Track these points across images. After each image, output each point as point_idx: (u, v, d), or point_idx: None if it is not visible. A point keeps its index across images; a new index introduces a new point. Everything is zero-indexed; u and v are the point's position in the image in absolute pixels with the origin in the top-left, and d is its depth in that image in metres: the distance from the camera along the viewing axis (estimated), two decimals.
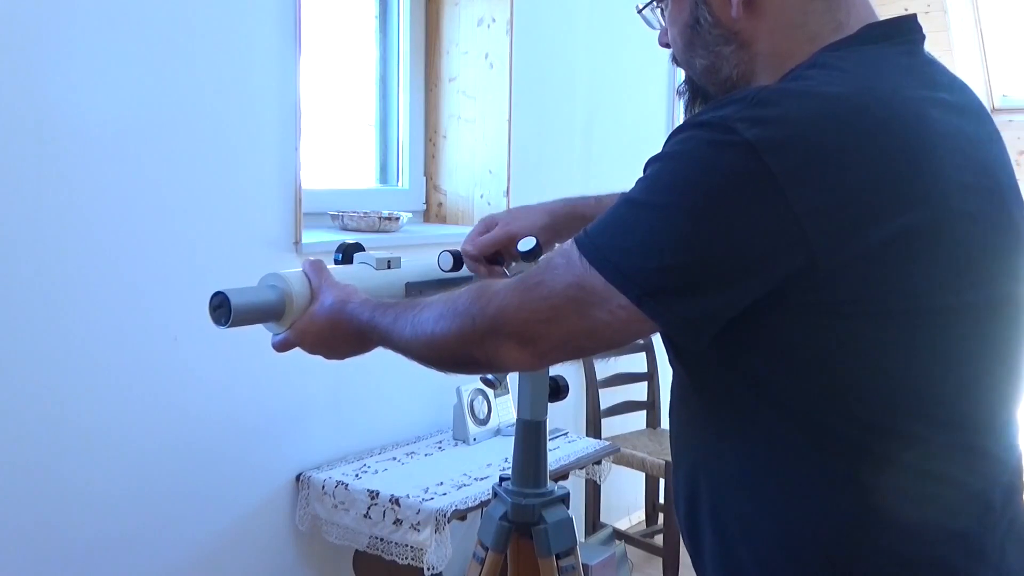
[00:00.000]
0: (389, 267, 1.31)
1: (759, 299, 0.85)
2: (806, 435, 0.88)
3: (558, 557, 1.38)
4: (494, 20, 2.85)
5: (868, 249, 0.82)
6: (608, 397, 3.32)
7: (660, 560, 3.16)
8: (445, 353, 1.00)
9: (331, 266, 1.27)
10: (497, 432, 2.70)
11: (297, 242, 2.29)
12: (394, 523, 2.18)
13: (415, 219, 2.93)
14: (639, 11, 1.13)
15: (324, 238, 2.40)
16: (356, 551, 2.36)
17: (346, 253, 1.34)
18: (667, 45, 1.09)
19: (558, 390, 1.38)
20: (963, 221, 0.87)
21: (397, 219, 2.60)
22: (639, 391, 3.52)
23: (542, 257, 0.96)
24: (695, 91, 1.07)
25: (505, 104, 2.86)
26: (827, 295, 0.84)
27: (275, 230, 2.26)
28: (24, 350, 1.83)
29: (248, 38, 2.16)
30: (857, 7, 0.96)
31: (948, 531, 0.90)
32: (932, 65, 0.96)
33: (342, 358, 1.24)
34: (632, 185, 0.91)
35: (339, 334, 1.18)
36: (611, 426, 3.35)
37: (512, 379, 1.36)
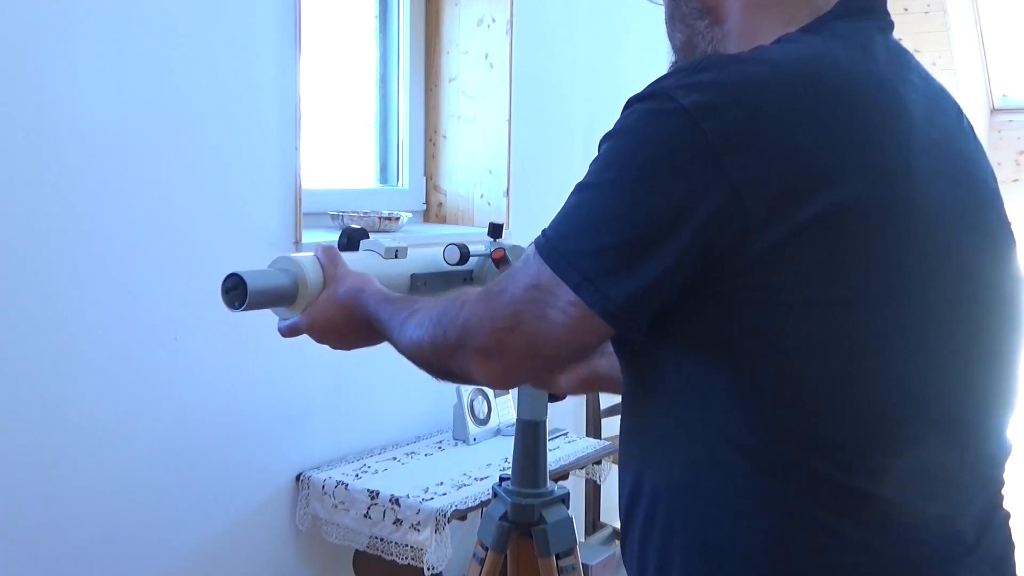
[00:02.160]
0: (396, 256, 1.28)
1: (695, 283, 0.79)
2: (734, 445, 0.81)
3: (558, 557, 1.38)
4: (494, 20, 2.85)
5: (805, 223, 0.76)
6: (608, 397, 3.32)
7: None
8: (423, 362, 0.99)
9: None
10: (497, 432, 2.70)
11: (297, 242, 2.29)
12: (394, 523, 2.18)
13: (415, 219, 2.93)
14: None
15: (324, 238, 2.40)
16: (356, 551, 2.36)
17: (351, 239, 1.31)
18: None
19: None
20: (923, 206, 0.80)
21: (397, 219, 2.60)
22: None
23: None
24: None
25: (505, 104, 2.86)
26: (761, 277, 0.77)
27: (275, 230, 2.26)
28: (23, 350, 1.83)
29: (248, 38, 2.15)
30: None
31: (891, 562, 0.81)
32: (905, 50, 0.93)
33: (349, 348, 1.18)
34: None
35: (350, 324, 1.13)
36: (611, 426, 3.35)
37: None
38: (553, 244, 0.84)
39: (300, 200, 2.29)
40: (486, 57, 2.87)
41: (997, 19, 4.92)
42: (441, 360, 0.94)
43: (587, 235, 0.82)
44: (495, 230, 1.39)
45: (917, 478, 0.81)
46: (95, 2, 1.87)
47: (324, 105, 2.70)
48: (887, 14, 0.93)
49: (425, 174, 2.97)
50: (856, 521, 0.79)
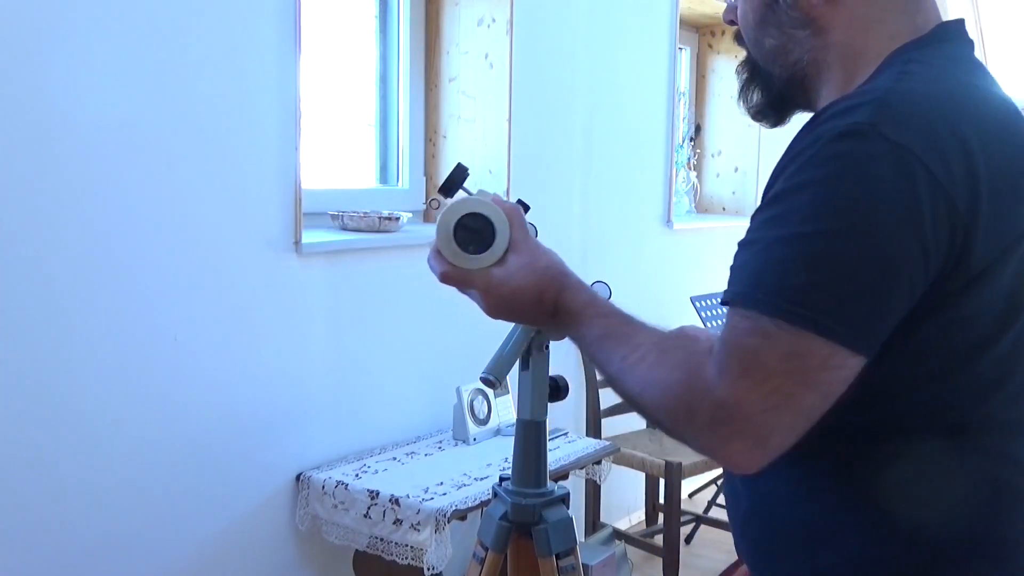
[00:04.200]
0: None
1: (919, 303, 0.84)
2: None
3: (558, 557, 1.38)
4: (494, 20, 2.85)
5: (1011, 247, 0.85)
6: (608, 397, 3.32)
7: (660, 560, 3.16)
8: (649, 416, 0.95)
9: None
10: (497, 432, 2.70)
11: (297, 242, 2.29)
12: (394, 523, 2.18)
13: (415, 219, 2.93)
14: None
15: (324, 238, 2.40)
16: (356, 551, 2.36)
17: (453, 180, 1.16)
18: (732, 22, 1.07)
19: (558, 390, 1.38)
20: None
21: (397, 219, 2.60)
22: None
23: (716, 344, 0.86)
24: (754, 73, 1.06)
25: (505, 104, 2.86)
26: (971, 298, 0.85)
27: (275, 230, 2.26)
28: (24, 349, 1.83)
29: (248, 38, 2.15)
30: (928, 10, 0.97)
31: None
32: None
33: (511, 321, 1.09)
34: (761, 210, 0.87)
35: (535, 304, 1.02)
36: (611, 426, 3.35)
37: (512, 379, 1.35)
38: (802, 308, 0.80)
39: (300, 200, 2.29)
40: (486, 57, 2.87)
41: (997, 19, 4.93)
42: (681, 433, 0.88)
43: (831, 286, 0.80)
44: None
45: None
46: (95, 2, 1.87)
47: (324, 105, 2.70)
48: (967, 34, 0.99)
49: (425, 174, 2.97)
50: None
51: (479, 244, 0.98)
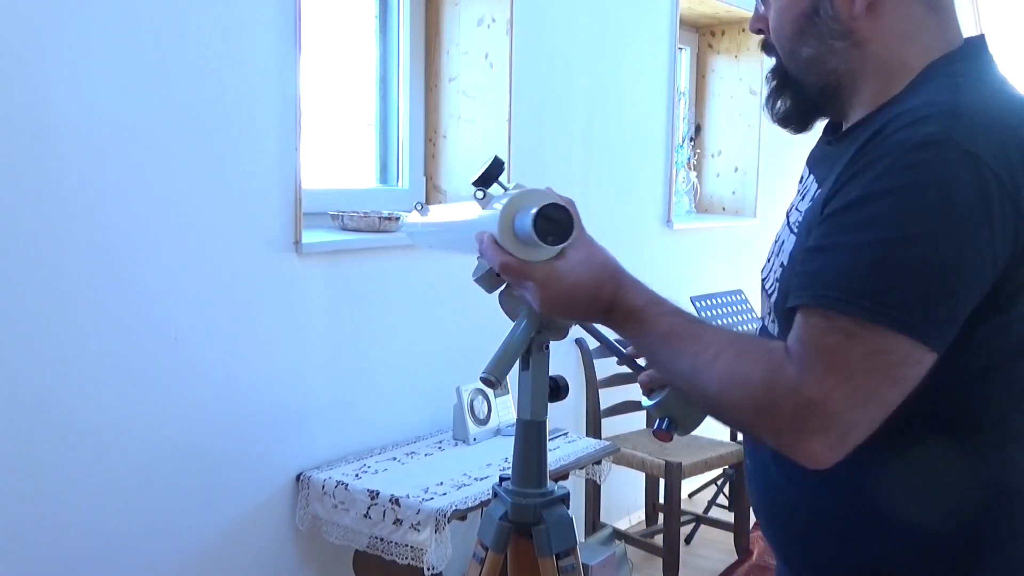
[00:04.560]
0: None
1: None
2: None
3: (558, 557, 1.38)
4: (494, 20, 2.85)
5: None
6: (608, 397, 3.32)
7: (660, 560, 3.16)
8: (723, 417, 0.98)
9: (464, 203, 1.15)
10: (497, 432, 2.70)
11: (297, 242, 2.29)
12: (394, 523, 2.18)
13: None
14: None
15: (324, 238, 2.40)
16: (356, 551, 2.36)
17: (490, 173, 1.14)
18: (760, 31, 1.10)
19: (558, 390, 1.37)
20: None
21: (397, 219, 2.60)
22: (639, 391, 3.52)
23: (792, 343, 0.90)
24: (784, 81, 1.09)
25: (505, 104, 2.86)
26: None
27: (275, 230, 2.26)
28: (24, 349, 1.83)
29: (248, 38, 2.16)
30: (956, 26, 1.03)
31: None
32: None
33: (562, 317, 1.09)
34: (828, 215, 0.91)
35: (591, 299, 1.02)
36: (611, 426, 3.35)
37: (512, 379, 1.34)
38: (884, 308, 0.85)
39: (300, 200, 2.29)
40: (486, 57, 2.87)
41: (997, 19, 4.93)
42: (758, 429, 0.92)
43: (915, 287, 0.85)
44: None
45: None
46: (96, 3, 1.87)
47: (324, 105, 2.70)
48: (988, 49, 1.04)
49: (425, 174, 2.98)
50: None
51: (559, 235, 0.97)
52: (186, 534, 2.15)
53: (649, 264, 3.64)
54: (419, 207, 1.54)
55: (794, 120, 1.11)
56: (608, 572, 2.81)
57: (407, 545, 2.15)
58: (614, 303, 1.01)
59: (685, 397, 1.26)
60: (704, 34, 4.50)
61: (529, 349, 1.30)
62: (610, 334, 1.32)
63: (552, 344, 1.33)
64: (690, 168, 4.36)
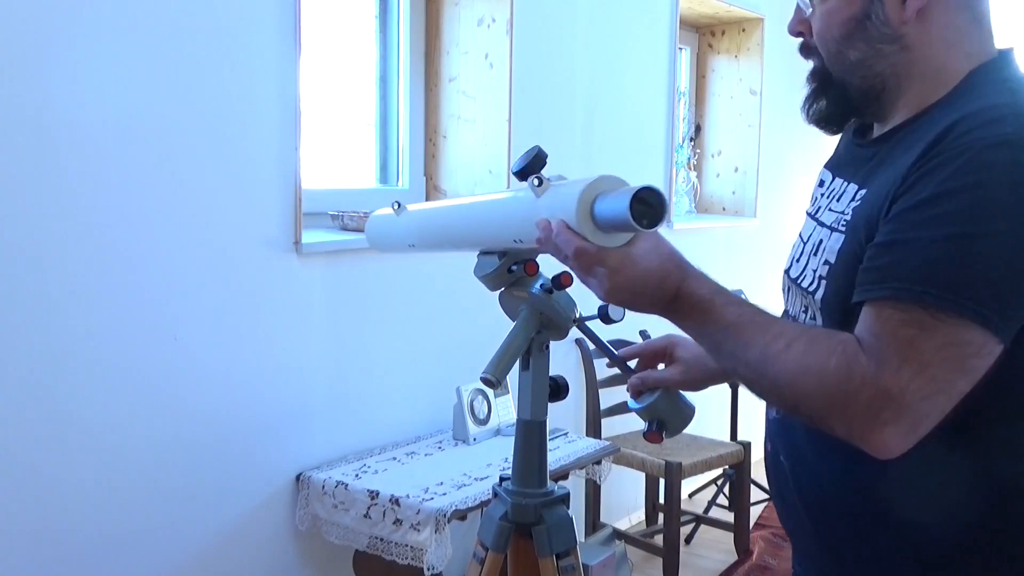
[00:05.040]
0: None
1: None
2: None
3: (558, 557, 1.38)
4: (494, 20, 2.85)
5: None
6: (608, 397, 3.32)
7: (660, 560, 3.16)
8: (792, 405, 0.98)
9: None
10: (497, 432, 2.70)
11: (297, 242, 2.29)
12: (394, 523, 2.18)
13: None
14: None
15: (324, 238, 2.40)
16: (356, 551, 2.36)
17: (535, 161, 1.14)
18: (800, 34, 1.13)
19: (558, 390, 1.37)
20: None
21: None
22: None
23: (864, 335, 0.93)
24: (827, 83, 1.11)
25: (505, 104, 2.86)
26: None
27: (275, 230, 2.26)
28: (24, 349, 1.83)
29: (248, 38, 2.16)
30: (992, 36, 1.07)
31: None
32: None
33: (628, 307, 1.08)
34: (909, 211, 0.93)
35: (657, 289, 1.02)
36: (611, 426, 3.35)
37: (512, 379, 1.34)
38: (961, 300, 0.89)
39: (300, 200, 2.29)
40: (486, 57, 2.87)
41: (996, 19, 4.92)
42: (830, 419, 0.93)
43: (998, 281, 0.89)
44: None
45: None
46: (96, 2, 1.87)
47: (324, 105, 2.70)
48: None
49: (425, 174, 2.98)
50: None
51: (653, 219, 0.95)
52: (186, 534, 2.15)
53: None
54: (396, 206, 1.53)
55: (834, 122, 1.14)
56: (608, 572, 2.81)
57: (407, 545, 2.15)
58: (679, 293, 1.02)
59: (673, 399, 1.27)
60: (704, 34, 4.50)
61: (529, 349, 1.30)
62: (604, 334, 1.32)
63: (552, 344, 1.33)
64: (690, 168, 4.36)
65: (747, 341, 0.98)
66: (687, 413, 1.28)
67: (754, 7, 4.27)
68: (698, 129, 4.49)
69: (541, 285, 1.29)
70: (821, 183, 1.20)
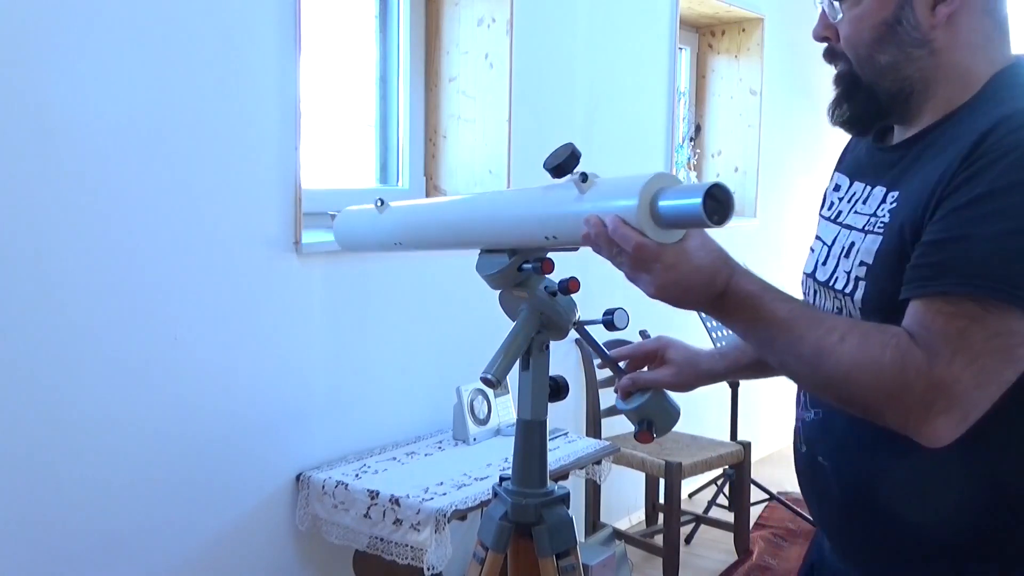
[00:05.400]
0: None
1: None
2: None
3: (558, 557, 1.38)
4: (494, 20, 2.85)
5: None
6: (608, 397, 3.32)
7: (660, 560, 3.16)
8: (846, 398, 1.00)
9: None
10: (497, 432, 2.70)
11: (297, 242, 2.29)
12: (394, 523, 2.18)
13: None
14: None
15: (324, 238, 2.40)
16: (356, 551, 2.36)
17: (567, 161, 1.16)
18: (826, 39, 1.14)
19: (558, 390, 1.37)
20: None
21: None
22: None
23: (914, 329, 0.96)
24: (855, 86, 1.13)
25: (505, 104, 2.86)
26: None
27: (275, 230, 2.26)
28: (24, 348, 1.83)
29: (248, 38, 2.16)
30: (1010, 42, 1.10)
31: None
32: None
33: (674, 305, 1.09)
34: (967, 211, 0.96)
35: (705, 286, 1.04)
36: (611, 426, 3.35)
37: (512, 379, 1.34)
38: (1013, 287, 0.92)
39: (300, 200, 2.29)
40: (486, 57, 2.87)
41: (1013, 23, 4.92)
42: (888, 404, 0.96)
43: None
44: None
45: None
46: (96, 3, 1.87)
47: (324, 105, 2.70)
48: None
49: (425, 174, 2.98)
50: None
51: (722, 215, 0.97)
52: (186, 534, 2.15)
53: None
54: (379, 203, 1.52)
55: (860, 124, 1.17)
56: (608, 572, 2.81)
57: (407, 545, 2.15)
58: (727, 289, 1.04)
59: (662, 400, 1.28)
60: (704, 34, 4.50)
61: (529, 349, 1.30)
62: (602, 334, 1.32)
63: (552, 344, 1.33)
64: (690, 168, 4.36)
65: (800, 336, 1.00)
66: (674, 414, 1.30)
67: (754, 7, 4.27)
68: (698, 129, 4.49)
69: (546, 287, 1.29)
70: (837, 187, 1.23)
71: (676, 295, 1.04)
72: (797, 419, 1.23)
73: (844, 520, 1.16)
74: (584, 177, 1.12)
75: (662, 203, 1.01)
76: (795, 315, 1.02)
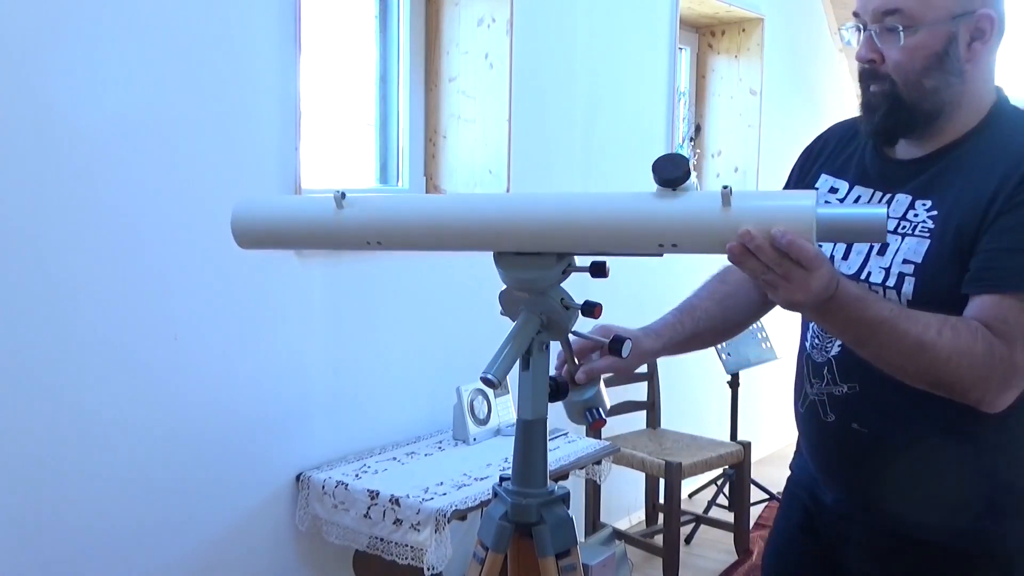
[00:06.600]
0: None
1: None
2: None
3: (558, 557, 1.38)
4: (494, 20, 2.85)
5: None
6: (608, 397, 3.32)
7: (660, 560, 3.16)
8: (936, 381, 1.19)
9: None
10: (497, 432, 2.70)
11: None
12: (394, 523, 2.18)
13: None
14: (879, 23, 1.27)
15: None
16: (356, 551, 2.36)
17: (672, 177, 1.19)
18: (871, 61, 1.29)
19: (558, 390, 1.37)
20: None
21: None
22: (639, 391, 3.52)
23: (990, 321, 1.18)
24: (897, 105, 1.28)
25: (505, 104, 2.86)
26: None
27: None
28: (24, 348, 1.83)
29: (248, 38, 2.16)
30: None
31: None
32: None
33: (797, 309, 1.16)
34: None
35: (825, 290, 1.13)
36: (611, 426, 3.35)
37: (512, 379, 1.34)
38: None
39: None
40: (486, 57, 2.87)
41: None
42: (975, 386, 1.17)
43: None
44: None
45: None
46: (96, 3, 1.87)
47: (324, 105, 2.70)
48: None
49: (425, 174, 2.98)
50: None
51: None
52: (186, 533, 2.15)
53: (650, 264, 3.63)
54: (340, 197, 1.36)
55: (892, 135, 1.33)
56: (608, 572, 2.81)
57: (407, 545, 2.15)
58: (837, 292, 1.14)
59: (601, 387, 1.37)
60: (704, 34, 4.50)
61: (529, 349, 1.30)
62: (583, 328, 1.34)
63: (552, 344, 1.33)
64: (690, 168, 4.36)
65: (905, 331, 1.16)
66: (605, 400, 1.40)
67: (754, 7, 4.27)
68: (698, 129, 4.49)
69: (561, 299, 1.29)
70: (833, 190, 1.38)
71: (810, 300, 1.12)
72: (814, 395, 1.39)
73: (874, 472, 1.33)
74: (730, 190, 1.15)
75: (827, 217, 1.08)
76: (895, 314, 1.17)
